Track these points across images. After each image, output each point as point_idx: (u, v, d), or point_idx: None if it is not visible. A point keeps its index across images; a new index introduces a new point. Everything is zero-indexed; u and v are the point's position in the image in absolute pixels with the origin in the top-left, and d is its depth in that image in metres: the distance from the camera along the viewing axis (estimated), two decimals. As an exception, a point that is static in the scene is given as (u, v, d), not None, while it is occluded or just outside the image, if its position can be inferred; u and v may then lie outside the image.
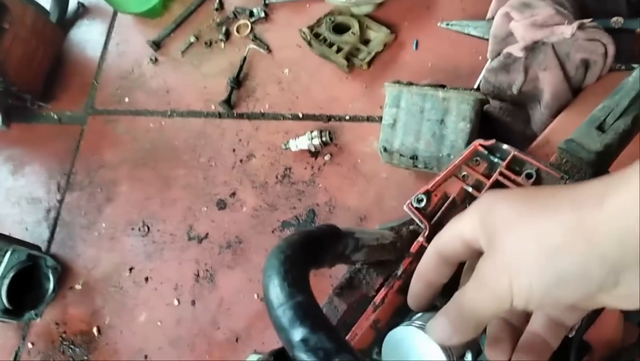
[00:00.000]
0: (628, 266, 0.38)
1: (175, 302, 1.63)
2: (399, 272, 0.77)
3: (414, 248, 0.78)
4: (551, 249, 0.39)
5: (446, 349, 0.56)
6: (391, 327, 0.71)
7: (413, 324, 0.59)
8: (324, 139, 1.59)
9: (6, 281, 1.58)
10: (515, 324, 0.53)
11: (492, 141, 0.82)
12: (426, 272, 0.54)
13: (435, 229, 0.75)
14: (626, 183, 0.36)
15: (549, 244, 0.39)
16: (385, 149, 1.29)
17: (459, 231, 0.48)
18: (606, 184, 0.38)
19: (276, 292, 0.46)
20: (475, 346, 0.65)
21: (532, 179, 0.76)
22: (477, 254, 0.48)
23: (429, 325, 0.52)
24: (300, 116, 1.74)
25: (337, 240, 0.63)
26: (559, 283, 0.39)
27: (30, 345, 1.76)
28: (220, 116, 1.85)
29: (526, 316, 0.53)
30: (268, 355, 0.75)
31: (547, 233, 0.39)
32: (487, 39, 1.30)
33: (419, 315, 0.69)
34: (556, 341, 0.51)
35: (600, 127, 0.85)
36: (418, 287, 0.56)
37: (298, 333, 0.44)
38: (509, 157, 0.78)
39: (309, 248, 0.54)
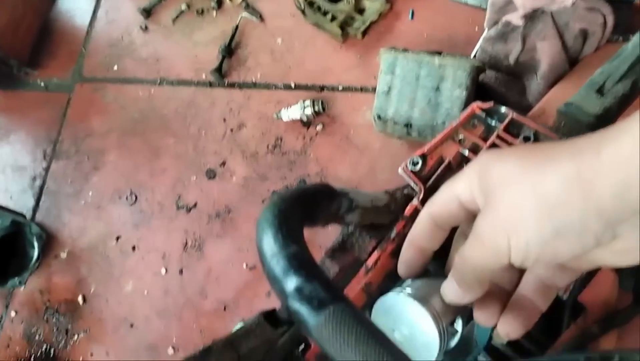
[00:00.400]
0: (626, 219, 0.37)
1: (163, 271, 1.61)
2: (392, 235, 0.76)
3: (408, 211, 0.76)
4: (549, 203, 0.38)
5: (436, 316, 0.55)
6: (383, 291, 0.70)
7: (404, 291, 0.58)
8: (316, 108, 1.57)
9: (-11, 248, 1.56)
10: (506, 287, 0.52)
11: (490, 104, 0.80)
12: (418, 238, 0.53)
13: (430, 192, 0.74)
14: (623, 133, 0.36)
15: (546, 198, 0.39)
16: (379, 117, 1.27)
17: (454, 193, 0.47)
18: (603, 135, 0.37)
19: (270, 243, 0.45)
20: (466, 312, 0.63)
21: (530, 142, 0.74)
22: (471, 217, 0.47)
23: (442, 288, 0.51)
24: (293, 85, 1.71)
25: (331, 199, 0.62)
26: (556, 237, 0.39)
27: (13, 313, 1.74)
28: (211, 85, 1.82)
29: (515, 277, 0.52)
30: (258, 315, 0.74)
31: (545, 186, 0.39)
32: (485, 9, 1.28)
33: (409, 281, 0.67)
34: (545, 303, 0.50)
35: (600, 91, 0.84)
36: (409, 254, 0.54)
37: (292, 282, 0.43)
38: (507, 120, 0.76)
39: (303, 204, 0.53)
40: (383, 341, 0.41)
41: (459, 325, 0.66)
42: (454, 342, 0.68)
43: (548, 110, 1.13)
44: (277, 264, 0.44)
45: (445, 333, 0.57)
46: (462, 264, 0.47)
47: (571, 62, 1.21)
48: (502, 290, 0.51)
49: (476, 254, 0.45)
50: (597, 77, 0.85)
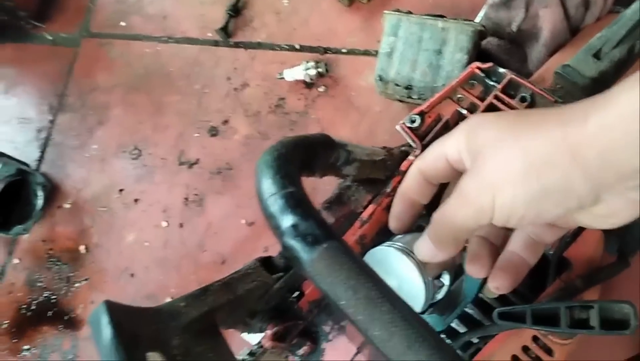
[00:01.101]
0: (610, 185, 0.39)
1: (164, 224, 1.65)
2: (388, 189, 0.78)
3: (404, 166, 0.78)
4: (536, 164, 0.40)
5: (421, 269, 0.57)
6: (376, 244, 0.73)
7: (394, 245, 0.60)
8: (319, 70, 1.58)
9: (-5, 194, 1.59)
10: (494, 242, 0.53)
11: (489, 64, 0.81)
12: (408, 191, 0.54)
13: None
14: (610, 101, 0.37)
15: (534, 160, 0.40)
16: (380, 78, 1.29)
17: (443, 151, 0.48)
18: (593, 102, 0.39)
19: (268, 183, 0.46)
20: (452, 267, 0.66)
21: (527, 103, 0.76)
22: (458, 175, 0.48)
23: (415, 245, 0.52)
24: (297, 47, 1.73)
25: (330, 149, 0.63)
26: (541, 198, 0.40)
27: (16, 261, 1.78)
28: (216, 44, 1.83)
29: (504, 234, 0.54)
30: (255, 261, 0.76)
31: (533, 148, 0.40)
32: (490, -24, 1.28)
33: (400, 236, 0.70)
34: (534, 259, 0.52)
35: (597, 55, 0.85)
36: (400, 207, 0.55)
37: (288, 220, 0.44)
38: (505, 80, 0.77)
39: (303, 151, 0.54)
40: (372, 278, 0.42)
41: (445, 278, 0.69)
42: (440, 295, 0.70)
43: (547, 77, 1.14)
44: (275, 203, 0.45)
45: (431, 285, 0.59)
46: (441, 222, 0.48)
47: (572, 31, 1.21)
48: (492, 245, 0.53)
49: (457, 212, 0.46)
50: (595, 42, 0.87)
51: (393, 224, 0.56)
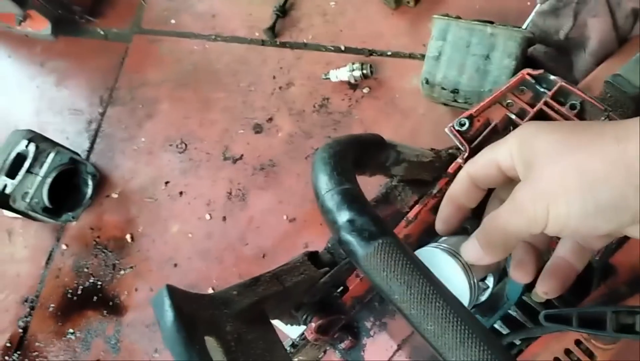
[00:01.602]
0: None
1: (207, 217, 1.70)
2: (434, 191, 0.79)
3: (452, 168, 0.79)
4: (591, 180, 0.40)
5: (468, 273, 0.59)
6: (420, 244, 0.74)
7: (440, 246, 0.61)
8: (364, 71, 1.60)
9: (48, 181, 1.66)
10: (539, 247, 0.54)
11: (540, 71, 0.82)
12: (456, 195, 0.54)
13: (475, 152, 0.76)
14: None
15: (589, 175, 0.40)
16: (427, 81, 1.31)
17: (495, 158, 0.49)
18: None
19: (325, 179, 0.48)
20: (497, 270, 0.67)
21: (576, 110, 0.76)
22: (508, 182, 0.49)
23: (462, 247, 0.53)
24: (343, 48, 1.75)
25: (380, 149, 0.65)
26: (596, 213, 0.41)
27: (64, 247, 1.85)
28: (263, 43, 1.87)
29: (550, 240, 0.54)
30: (303, 255, 0.79)
31: (589, 163, 0.40)
32: (539, -17, 1.29)
33: (445, 237, 0.71)
34: (582, 264, 0.53)
35: (648, 65, 0.86)
36: (447, 210, 0.56)
37: (345, 215, 0.46)
38: (555, 87, 0.78)
39: (356, 149, 0.56)
40: (426, 274, 0.44)
41: (490, 281, 0.70)
42: (484, 297, 0.72)
43: (594, 86, 1.14)
44: (332, 198, 0.47)
45: (476, 287, 0.60)
46: (492, 227, 0.48)
47: (620, 41, 1.21)
48: (537, 251, 0.53)
49: (510, 220, 0.46)
50: (646, 52, 0.87)
51: (440, 226, 0.57)
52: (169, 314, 0.49)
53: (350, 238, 0.46)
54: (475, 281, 0.60)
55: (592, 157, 0.41)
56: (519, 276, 0.53)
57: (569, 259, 0.52)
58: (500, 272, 0.72)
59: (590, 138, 0.42)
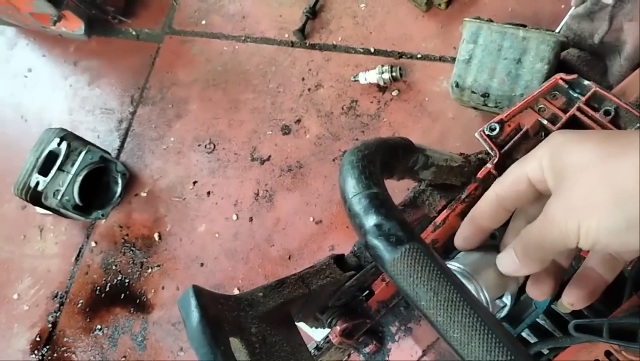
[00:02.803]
0: None
1: (234, 217, 1.71)
2: (463, 196, 0.78)
3: (481, 173, 0.78)
4: (623, 194, 0.39)
5: (480, 293, 0.58)
6: (447, 249, 0.73)
7: (453, 266, 0.61)
8: (394, 74, 1.59)
9: (79, 179, 1.68)
10: (562, 263, 0.53)
11: (574, 76, 0.80)
12: (481, 217, 0.54)
13: (505, 158, 0.75)
14: None
15: (621, 189, 0.39)
16: (457, 85, 1.29)
17: (524, 172, 0.48)
18: None
19: (353, 183, 0.48)
20: (514, 288, 0.66)
21: (610, 117, 0.75)
22: (537, 197, 0.49)
23: (499, 258, 0.52)
24: (372, 50, 1.74)
25: (409, 152, 0.64)
26: (627, 229, 0.40)
27: (93, 244, 1.88)
28: (292, 44, 1.87)
29: (575, 254, 0.54)
30: (328, 258, 0.79)
31: (620, 178, 0.39)
32: (574, -15, 1.26)
33: (461, 254, 0.70)
34: (612, 276, 0.52)
35: (686, 72, 0.83)
36: (469, 229, 0.56)
37: (372, 219, 0.45)
38: (589, 93, 0.76)
39: (384, 153, 0.56)
40: (453, 280, 0.43)
41: (507, 298, 0.69)
42: (502, 313, 0.71)
43: (629, 92, 1.11)
44: (359, 202, 0.47)
45: (490, 305, 0.59)
46: (529, 240, 0.48)
47: (658, 45, 1.18)
48: (557, 265, 0.52)
49: (545, 234, 0.45)
50: (684, 59, 0.84)
51: (459, 243, 0.57)
52: (194, 314, 0.49)
53: (377, 243, 0.45)
54: (489, 300, 0.59)
55: (624, 172, 0.40)
56: (534, 293, 0.53)
57: (599, 270, 0.51)
58: (519, 287, 0.70)
59: (621, 150, 0.41)
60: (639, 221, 0.39)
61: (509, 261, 0.50)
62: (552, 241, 0.45)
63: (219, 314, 0.54)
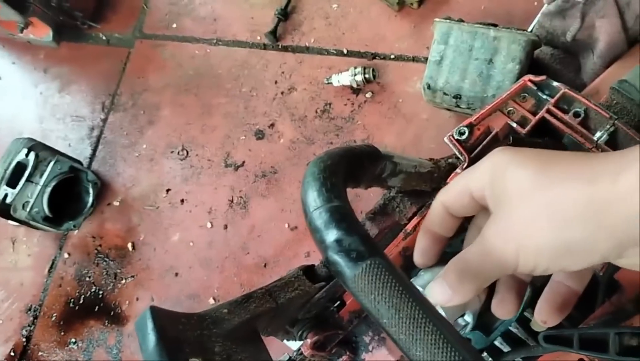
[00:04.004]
0: (634, 243, 0.38)
1: (209, 225, 1.68)
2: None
3: (450, 178, 0.77)
4: (562, 221, 0.39)
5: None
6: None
7: None
8: (367, 76, 1.57)
9: (48, 190, 1.64)
10: (524, 279, 0.52)
11: (542, 77, 0.79)
12: (432, 225, 0.53)
13: (475, 162, 0.75)
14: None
15: (560, 216, 0.39)
16: (428, 87, 1.27)
17: (467, 187, 0.48)
18: (621, 158, 0.38)
19: (314, 196, 0.46)
20: (475, 307, 0.64)
21: (580, 118, 0.73)
22: (484, 210, 0.48)
23: (428, 288, 0.50)
24: (345, 52, 1.72)
25: (375, 161, 0.62)
26: (566, 254, 0.40)
27: (66, 255, 1.84)
28: (265, 47, 1.84)
29: None
30: (297, 269, 0.77)
31: (560, 205, 0.39)
32: (545, -17, 1.25)
33: (422, 272, 0.69)
34: (581, 286, 0.50)
35: (656, 71, 0.82)
36: (424, 241, 0.54)
37: (332, 234, 0.44)
38: (558, 94, 0.75)
39: (349, 163, 0.54)
40: (416, 296, 0.42)
41: (469, 317, 0.68)
42: (466, 331, 0.69)
43: (602, 90, 1.11)
44: (320, 216, 0.45)
45: None
46: (461, 269, 0.47)
47: (630, 42, 1.17)
48: (519, 281, 0.51)
49: (480, 261, 0.45)
50: (654, 57, 0.83)
51: (418, 259, 0.55)
52: (151, 337, 0.48)
53: (337, 259, 0.44)
54: (448, 320, 0.58)
55: (564, 198, 0.39)
56: (500, 313, 0.52)
57: (567, 283, 0.50)
58: (481, 306, 0.69)
59: (561, 176, 0.40)
60: (576, 247, 0.39)
61: (439, 291, 0.48)
62: (490, 268, 0.45)
63: (178, 335, 0.52)
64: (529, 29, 1.35)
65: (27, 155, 1.65)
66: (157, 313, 0.48)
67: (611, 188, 0.37)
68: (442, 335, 0.41)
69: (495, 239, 0.43)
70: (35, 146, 1.68)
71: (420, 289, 0.58)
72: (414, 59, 1.63)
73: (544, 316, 0.50)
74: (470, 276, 0.46)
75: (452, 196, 0.50)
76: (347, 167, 0.54)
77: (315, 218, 0.45)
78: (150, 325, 0.48)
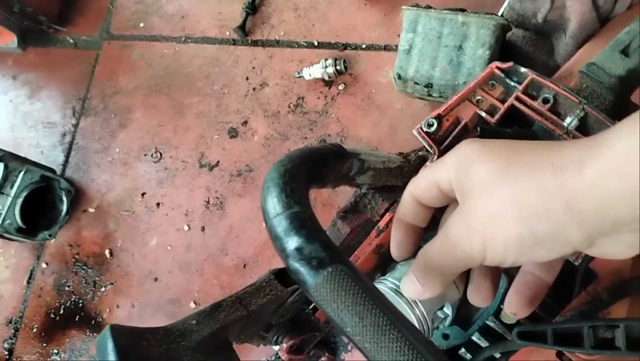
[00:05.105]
0: (605, 232, 0.37)
1: (186, 228, 1.65)
2: (405, 197, 0.76)
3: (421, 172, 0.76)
4: (529, 213, 0.39)
5: (413, 307, 0.57)
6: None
7: (382, 282, 0.60)
8: (338, 67, 1.55)
9: (19, 201, 1.61)
10: (498, 267, 0.51)
11: (509, 64, 0.77)
12: (405, 217, 0.52)
13: (445, 154, 0.74)
14: (607, 147, 0.35)
15: (527, 208, 0.39)
16: (399, 77, 1.25)
17: (435, 180, 0.47)
18: (587, 148, 0.37)
19: (273, 203, 0.45)
20: (454, 298, 0.63)
21: (549, 104, 0.72)
22: (455, 202, 0.46)
23: (402, 283, 0.50)
24: (316, 44, 1.69)
25: (341, 160, 0.61)
26: (534, 246, 0.39)
27: (44, 265, 1.80)
28: (234, 42, 1.81)
29: None
30: (268, 274, 0.75)
31: (526, 197, 0.39)
32: (514, -35, 1.23)
33: (399, 265, 0.68)
34: (552, 276, 0.49)
35: (624, 52, 0.80)
36: (399, 233, 0.53)
37: (293, 242, 0.43)
38: (526, 81, 0.73)
39: (311, 164, 0.53)
40: (380, 303, 0.41)
41: (448, 309, 0.67)
42: (445, 323, 0.68)
43: (575, 71, 1.09)
44: (280, 224, 0.44)
45: (425, 319, 0.59)
46: (426, 263, 0.47)
47: (602, 21, 1.16)
48: (495, 271, 0.51)
49: (444, 254, 0.45)
50: (622, 37, 0.81)
51: (394, 252, 0.55)
52: (111, 358, 0.45)
53: (298, 267, 0.43)
54: (424, 313, 0.58)
55: (529, 189, 0.39)
56: (476, 301, 0.51)
57: (537, 273, 0.49)
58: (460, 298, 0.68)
59: (527, 167, 0.39)
60: (545, 238, 0.39)
61: (410, 286, 0.49)
62: (454, 262, 0.44)
63: (142, 352, 0.50)
64: (500, 13, 1.33)
65: (-4, 166, 1.61)
66: (118, 331, 0.46)
67: (577, 177, 0.36)
68: (407, 341, 0.40)
69: (459, 232, 0.43)
70: (4, 156, 1.64)
71: (397, 283, 0.58)
72: (386, 48, 1.60)
73: (513, 308, 0.49)
74: (434, 270, 0.46)
75: (421, 188, 0.50)
76: (310, 169, 0.52)
77: (275, 226, 0.44)
78: (110, 345, 0.46)
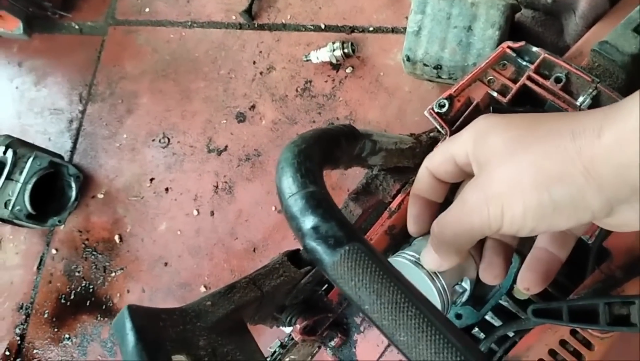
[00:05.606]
0: (625, 199, 0.37)
1: (195, 212, 1.65)
2: (417, 177, 0.76)
3: (435, 150, 0.76)
4: (548, 178, 0.38)
5: (435, 280, 0.57)
6: (406, 234, 0.70)
7: (402, 255, 0.60)
8: (345, 50, 1.54)
9: (29, 187, 1.61)
10: (510, 243, 0.52)
11: (521, 43, 0.76)
12: (421, 192, 0.52)
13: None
14: (625, 113, 0.35)
15: (546, 173, 0.39)
16: (408, 59, 1.24)
17: (451, 154, 0.47)
18: (605, 114, 0.37)
19: (289, 182, 0.45)
20: (472, 272, 0.63)
21: (562, 83, 0.71)
22: (470, 176, 0.47)
23: (421, 256, 0.51)
24: (323, 27, 1.68)
25: (354, 140, 0.61)
26: (553, 212, 0.39)
27: (54, 251, 1.81)
28: (241, 27, 1.80)
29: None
30: (282, 255, 0.75)
31: (545, 162, 0.39)
32: (524, -56, 1.22)
33: (417, 240, 0.68)
34: (565, 253, 0.50)
35: (637, 30, 0.80)
36: (415, 209, 0.53)
37: (309, 221, 0.42)
38: (538, 60, 0.73)
39: (324, 145, 0.52)
40: (397, 280, 0.41)
41: (467, 283, 0.67)
42: (463, 298, 0.69)
43: (585, 51, 1.08)
44: (295, 203, 0.44)
45: (447, 292, 0.59)
46: (441, 233, 0.47)
47: (612, 1, 1.15)
48: (507, 247, 0.51)
49: (460, 222, 0.44)
50: (635, 15, 0.81)
51: (412, 227, 0.55)
52: (130, 338, 0.46)
53: (315, 246, 0.43)
54: (445, 286, 0.59)
55: (548, 155, 0.39)
56: (488, 278, 0.51)
57: (550, 249, 0.50)
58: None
59: (545, 134, 0.39)
60: (564, 204, 0.38)
61: (429, 258, 0.49)
62: (469, 229, 0.44)
63: (159, 332, 0.51)
64: (509, -7, 1.32)
65: (4, 153, 1.61)
66: (135, 312, 0.47)
67: (596, 142, 0.36)
68: (426, 318, 0.40)
69: (476, 198, 0.42)
70: (12, 142, 1.65)
71: (417, 256, 0.58)
72: (394, 30, 1.59)
73: (526, 283, 0.49)
74: (449, 238, 0.46)
75: (437, 162, 0.50)
76: (323, 150, 0.52)
77: (291, 205, 0.44)
78: (128, 324, 0.47)
